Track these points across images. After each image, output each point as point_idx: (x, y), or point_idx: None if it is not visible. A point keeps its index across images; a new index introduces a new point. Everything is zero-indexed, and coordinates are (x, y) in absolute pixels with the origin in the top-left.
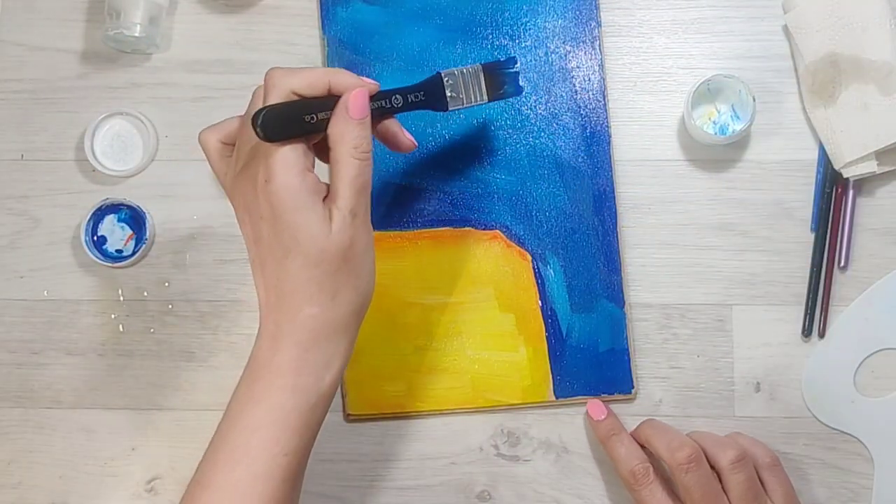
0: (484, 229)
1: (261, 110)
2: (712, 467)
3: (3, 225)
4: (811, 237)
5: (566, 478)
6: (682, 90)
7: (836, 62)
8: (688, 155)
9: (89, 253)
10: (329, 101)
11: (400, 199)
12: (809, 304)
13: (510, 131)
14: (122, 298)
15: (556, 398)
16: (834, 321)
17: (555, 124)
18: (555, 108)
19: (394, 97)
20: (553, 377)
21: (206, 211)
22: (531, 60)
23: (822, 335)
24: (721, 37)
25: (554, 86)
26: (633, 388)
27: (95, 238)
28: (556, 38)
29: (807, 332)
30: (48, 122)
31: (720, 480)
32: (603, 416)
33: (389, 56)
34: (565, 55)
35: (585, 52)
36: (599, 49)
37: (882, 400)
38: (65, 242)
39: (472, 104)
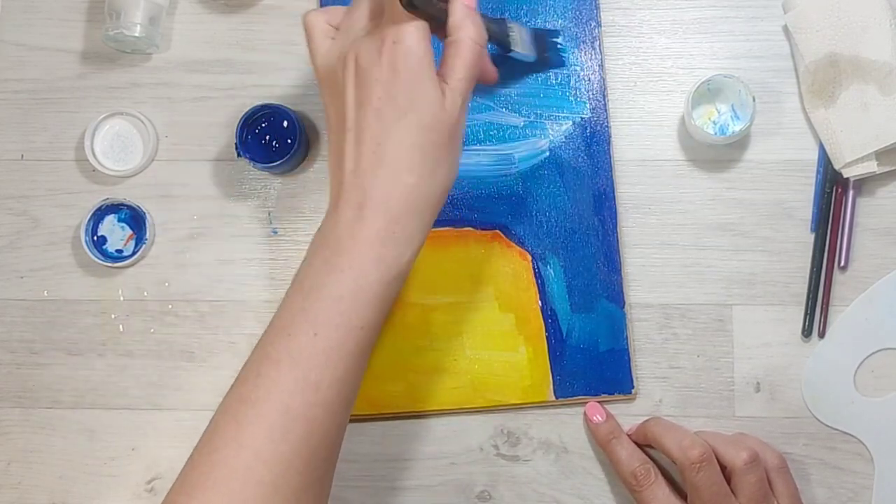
0: (484, 229)
1: None
2: (722, 467)
3: (3, 225)
4: (811, 237)
5: (566, 478)
6: (682, 90)
7: (836, 62)
8: (688, 155)
9: (89, 253)
10: None
11: None
12: (809, 304)
13: (510, 131)
14: (122, 298)
15: (556, 398)
16: (834, 321)
17: (554, 124)
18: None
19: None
20: (553, 377)
21: (206, 211)
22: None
23: (822, 335)
24: (721, 37)
25: (553, 86)
26: (633, 388)
27: (95, 238)
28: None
29: (807, 332)
30: (48, 122)
31: (728, 480)
32: (602, 419)
33: None
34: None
35: (585, 53)
36: (599, 49)
37: (882, 400)
38: (65, 242)
39: (525, 55)
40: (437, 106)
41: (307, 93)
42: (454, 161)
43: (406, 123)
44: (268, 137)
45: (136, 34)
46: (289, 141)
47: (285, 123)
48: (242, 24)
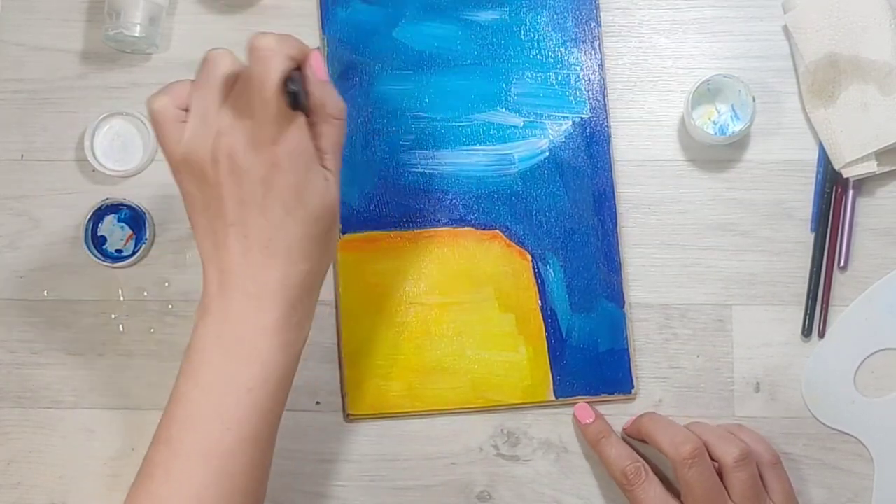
0: (484, 229)
1: (291, 79)
2: (714, 462)
3: (3, 225)
4: (811, 237)
5: (566, 478)
6: (682, 90)
7: (836, 62)
8: (688, 155)
9: (89, 253)
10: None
11: (400, 200)
12: (809, 304)
13: (510, 131)
14: (122, 298)
15: (557, 398)
16: (834, 321)
17: (554, 124)
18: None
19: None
20: (553, 377)
21: None
22: (530, 60)
23: (822, 335)
24: (721, 37)
25: (553, 86)
26: (633, 387)
27: (95, 238)
28: (556, 37)
29: (807, 332)
30: (48, 122)
31: (721, 475)
32: (591, 420)
33: (389, 56)
34: (565, 55)
35: (585, 52)
36: (599, 49)
37: (882, 400)
38: (65, 242)
39: None
40: (326, 197)
41: None
42: (337, 235)
43: (295, 218)
44: None
45: (136, 34)
46: None
47: None
48: (242, 24)
